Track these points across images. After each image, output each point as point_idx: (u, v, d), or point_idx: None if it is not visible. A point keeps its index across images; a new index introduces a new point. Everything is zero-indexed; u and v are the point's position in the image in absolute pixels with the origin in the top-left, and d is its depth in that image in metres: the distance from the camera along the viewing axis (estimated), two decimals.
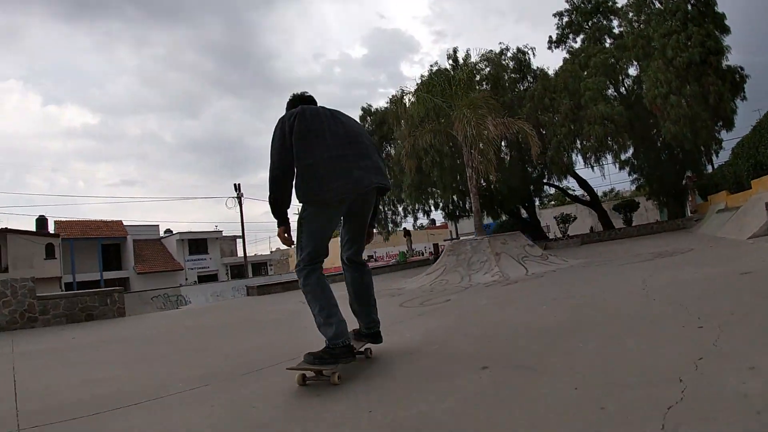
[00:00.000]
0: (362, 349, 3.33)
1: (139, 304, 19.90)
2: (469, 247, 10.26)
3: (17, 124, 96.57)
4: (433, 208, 25.74)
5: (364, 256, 3.57)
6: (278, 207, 3.04)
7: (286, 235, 3.09)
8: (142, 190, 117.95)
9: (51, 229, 38.59)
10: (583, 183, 26.10)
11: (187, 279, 39.67)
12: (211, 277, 41.87)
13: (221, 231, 46.43)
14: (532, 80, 23.56)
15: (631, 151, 23.33)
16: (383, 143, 24.12)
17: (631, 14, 21.43)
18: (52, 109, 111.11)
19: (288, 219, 3.11)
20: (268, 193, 3.02)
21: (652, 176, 24.05)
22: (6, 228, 34.31)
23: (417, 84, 15.10)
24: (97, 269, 38.29)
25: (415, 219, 26.51)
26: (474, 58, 20.72)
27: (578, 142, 21.59)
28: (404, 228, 29.17)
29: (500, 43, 26.22)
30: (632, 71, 22.46)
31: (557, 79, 21.95)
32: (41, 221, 38.89)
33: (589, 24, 24.39)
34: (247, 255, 44.93)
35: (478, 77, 21.04)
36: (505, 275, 8.82)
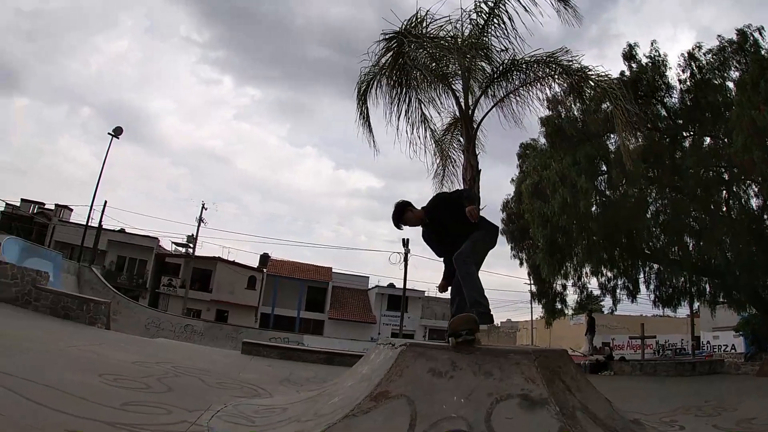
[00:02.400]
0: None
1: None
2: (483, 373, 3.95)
3: (312, 183, 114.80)
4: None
5: None
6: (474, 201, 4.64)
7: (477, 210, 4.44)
8: (416, 248, 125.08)
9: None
10: None
11: (380, 333, 38.06)
12: (406, 336, 38.70)
13: (424, 291, 44.21)
14: None
15: None
16: None
17: None
18: (342, 173, 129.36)
19: None
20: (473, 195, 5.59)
21: None
22: (218, 257, 40.08)
23: None
24: (297, 307, 40.15)
25: (614, 297, 17.42)
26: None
27: None
28: (588, 312, 20.21)
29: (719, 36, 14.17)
30: None
31: None
32: (264, 258, 43.05)
33: None
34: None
35: None
36: None
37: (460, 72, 7.48)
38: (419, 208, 4.94)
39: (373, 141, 8.42)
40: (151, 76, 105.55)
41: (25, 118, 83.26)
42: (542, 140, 15.43)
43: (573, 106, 13.64)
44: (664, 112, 14.42)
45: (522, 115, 8.06)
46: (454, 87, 7.64)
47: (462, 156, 7.64)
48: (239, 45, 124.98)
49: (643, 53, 14.52)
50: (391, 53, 7.45)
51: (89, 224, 28.47)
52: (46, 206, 37.93)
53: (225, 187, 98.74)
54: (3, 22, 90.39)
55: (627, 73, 14.51)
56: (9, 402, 3.51)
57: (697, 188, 13.50)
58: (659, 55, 14.26)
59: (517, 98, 7.86)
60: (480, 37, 7.51)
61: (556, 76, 7.63)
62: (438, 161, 8.82)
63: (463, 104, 7.50)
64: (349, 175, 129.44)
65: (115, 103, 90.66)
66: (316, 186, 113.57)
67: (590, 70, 7.52)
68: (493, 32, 7.54)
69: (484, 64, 7.45)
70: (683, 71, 14.21)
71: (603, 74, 7.60)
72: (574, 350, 23.83)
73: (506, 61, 7.59)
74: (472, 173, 7.15)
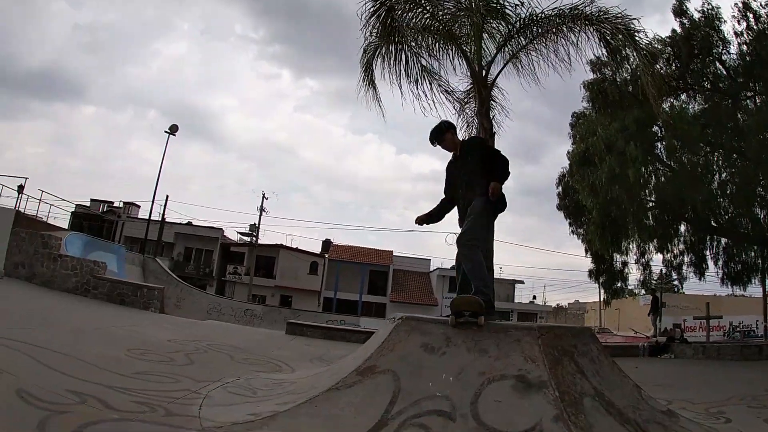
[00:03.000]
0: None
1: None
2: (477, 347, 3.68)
3: (375, 169, 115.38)
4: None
5: None
6: (507, 175, 4.43)
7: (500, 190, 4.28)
8: None
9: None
10: None
11: (441, 315, 37.18)
12: None
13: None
14: None
15: None
16: None
17: None
18: (405, 158, 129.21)
19: None
20: (507, 171, 4.46)
21: None
22: (281, 244, 40.81)
23: None
24: (359, 291, 40.69)
25: (678, 273, 16.17)
26: None
27: None
28: (653, 290, 18.79)
29: None
30: None
31: None
32: (326, 243, 43.89)
33: None
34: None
35: None
36: None
37: (472, 33, 7.05)
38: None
39: (380, 106, 8.26)
40: (212, 75, 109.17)
41: (93, 125, 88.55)
42: (589, 109, 14.49)
43: (620, 68, 12.64)
44: (722, 70, 13.13)
45: (565, 77, 7.50)
46: (465, 49, 7.21)
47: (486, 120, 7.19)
48: (294, 38, 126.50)
49: (694, 8, 13.27)
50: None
51: (155, 219, 29.85)
52: (114, 204, 39.92)
53: (291, 177, 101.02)
54: (63, 36, 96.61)
55: (678, 30, 13.31)
56: (25, 366, 3.77)
57: (762, 153, 12.22)
58: (711, 8, 12.96)
59: (537, 55, 7.30)
60: None
61: (585, 29, 7.00)
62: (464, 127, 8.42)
63: (476, 66, 7.08)
64: (412, 159, 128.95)
65: (179, 104, 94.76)
66: (380, 172, 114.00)
67: (624, 21, 6.89)
68: None
69: (498, 22, 6.97)
70: (739, 23, 12.87)
71: (635, 28, 6.93)
72: (636, 332, 22.56)
73: (524, 17, 7.08)
74: (486, 136, 6.78)
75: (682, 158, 13.76)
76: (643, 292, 25.56)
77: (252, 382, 4.67)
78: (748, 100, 13.43)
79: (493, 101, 7.36)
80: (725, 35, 13.01)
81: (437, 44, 7.51)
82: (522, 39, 7.19)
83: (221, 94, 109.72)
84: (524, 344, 3.43)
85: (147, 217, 29.23)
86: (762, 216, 13.96)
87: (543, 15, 7.03)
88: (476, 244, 4.18)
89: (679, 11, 13.12)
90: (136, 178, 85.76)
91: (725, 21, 13.10)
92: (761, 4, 12.50)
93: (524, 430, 2.81)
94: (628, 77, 12.90)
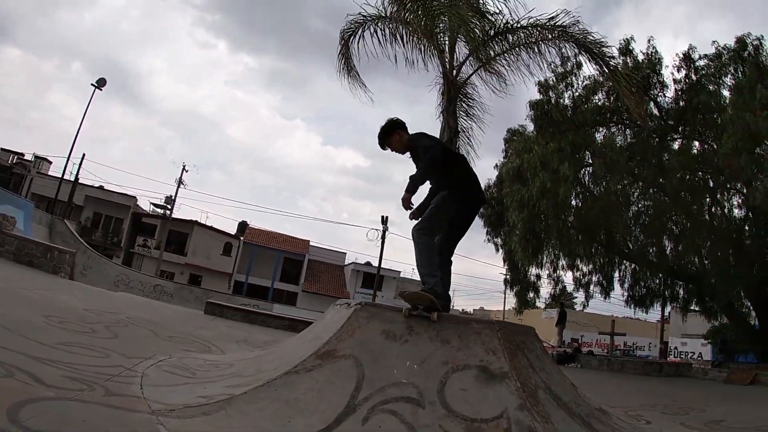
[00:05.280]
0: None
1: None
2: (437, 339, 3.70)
3: (300, 156, 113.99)
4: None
5: None
6: (422, 181, 4.11)
7: (412, 203, 4.08)
8: (399, 229, 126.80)
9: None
10: None
11: None
12: None
13: (400, 272, 44.81)
14: None
15: None
16: None
17: None
18: (330, 149, 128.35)
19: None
20: (423, 173, 4.07)
21: None
22: (196, 221, 39.43)
23: None
24: (272, 277, 40.08)
25: (586, 291, 17.12)
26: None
27: None
28: (561, 304, 19.82)
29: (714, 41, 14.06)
30: None
31: None
32: (242, 225, 42.66)
33: None
34: None
35: None
36: None
37: (447, 31, 7.19)
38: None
39: (362, 86, 8.36)
40: (146, 35, 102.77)
41: (17, 70, 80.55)
42: (530, 126, 15.12)
43: (564, 92, 13.35)
44: (655, 111, 14.18)
45: (512, 87, 7.83)
46: (440, 46, 7.31)
47: (458, 121, 7.35)
48: (237, 10, 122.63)
49: (639, 50, 14.26)
50: None
51: (68, 178, 27.69)
52: (25, 157, 36.78)
53: (213, 152, 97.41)
54: None
55: (620, 68, 14.14)
56: None
57: (680, 191, 13.33)
58: (656, 53, 13.98)
59: (508, 62, 7.56)
60: None
61: (557, 41, 7.31)
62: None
63: (448, 64, 7.22)
64: (338, 152, 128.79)
65: (107, 59, 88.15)
66: (304, 159, 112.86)
67: (594, 40, 7.30)
68: None
69: (475, 22, 7.09)
70: (678, 71, 13.99)
71: (607, 48, 7.39)
72: (544, 342, 23.92)
73: (501, 23, 7.30)
74: (450, 134, 6.94)
75: (605, 185, 14.69)
76: (543, 305, 26.99)
77: (186, 362, 4.47)
78: (674, 142, 14.49)
79: (462, 101, 7.46)
80: (664, 79, 13.98)
81: (412, 37, 7.52)
82: (496, 46, 7.35)
83: (152, 54, 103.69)
84: (484, 336, 3.50)
85: (59, 176, 27.19)
86: (669, 248, 15.21)
87: (519, 25, 7.24)
88: (425, 231, 4.02)
89: (626, 51, 13.91)
90: (52, 132, 79.04)
91: (666, 66, 14.08)
92: (700, 56, 13.65)
93: (492, 417, 2.88)
94: (570, 104, 13.65)
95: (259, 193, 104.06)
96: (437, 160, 4.03)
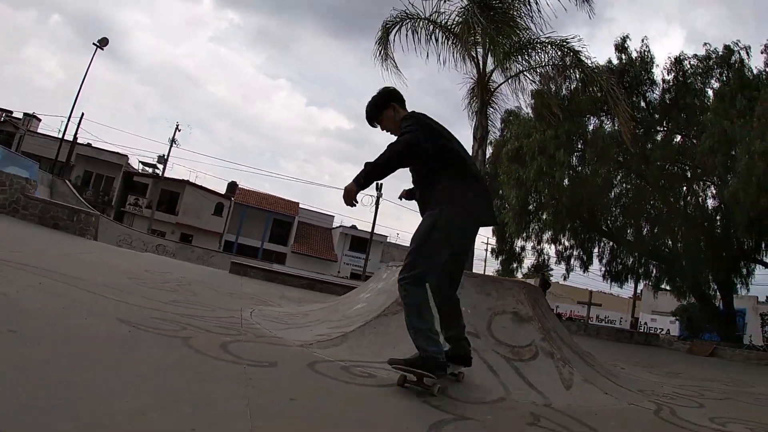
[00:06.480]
0: (456, 372, 3.34)
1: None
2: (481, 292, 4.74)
3: (282, 116, 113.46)
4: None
5: None
6: (379, 175, 2.91)
7: (356, 199, 2.94)
8: (385, 193, 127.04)
9: None
10: None
11: (339, 272, 39.30)
12: (368, 277, 40.45)
13: (387, 236, 46.42)
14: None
15: None
16: None
17: None
18: (313, 110, 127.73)
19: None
20: (385, 158, 2.88)
21: None
22: (187, 180, 40.06)
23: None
24: (261, 238, 41.03)
25: (568, 266, 18.82)
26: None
27: None
28: (542, 274, 21.13)
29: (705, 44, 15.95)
30: None
31: None
32: (232, 185, 43.49)
33: None
34: None
35: None
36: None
37: (480, 40, 8.25)
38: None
39: (400, 74, 8.96)
40: None
41: None
42: (525, 110, 16.27)
43: (563, 84, 14.59)
44: (643, 104, 15.54)
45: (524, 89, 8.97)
46: (473, 54, 8.38)
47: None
48: None
49: (634, 48, 15.54)
50: None
51: (63, 137, 27.89)
52: (13, 115, 36.56)
53: (194, 110, 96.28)
54: None
55: (615, 62, 15.51)
56: (79, 293, 3.78)
57: (660, 179, 14.91)
58: (648, 51, 15.35)
59: (528, 76, 8.72)
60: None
61: (567, 61, 8.45)
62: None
63: (481, 70, 8.28)
64: (321, 113, 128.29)
65: (87, 12, 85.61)
66: (287, 120, 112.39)
67: (585, 58, 8.48)
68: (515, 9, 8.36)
69: (503, 37, 8.12)
70: (668, 73, 15.42)
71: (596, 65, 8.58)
72: None
73: (523, 39, 8.39)
74: (483, 133, 8.04)
75: (591, 168, 16.05)
76: (529, 274, 28.58)
77: (267, 313, 5.29)
78: (658, 134, 15.96)
79: (491, 106, 8.54)
80: (654, 77, 15.49)
81: (447, 40, 8.54)
82: (521, 59, 8.45)
83: (133, 8, 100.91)
84: (514, 291, 4.70)
85: (48, 133, 27.29)
86: (645, 230, 16.79)
87: (538, 41, 8.37)
88: (410, 280, 2.88)
89: (621, 47, 15.42)
90: (28, 86, 77.05)
91: (657, 65, 15.57)
92: (688, 57, 15.03)
93: (525, 344, 4.06)
94: (567, 94, 14.88)
95: (242, 153, 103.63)
96: (416, 149, 2.92)
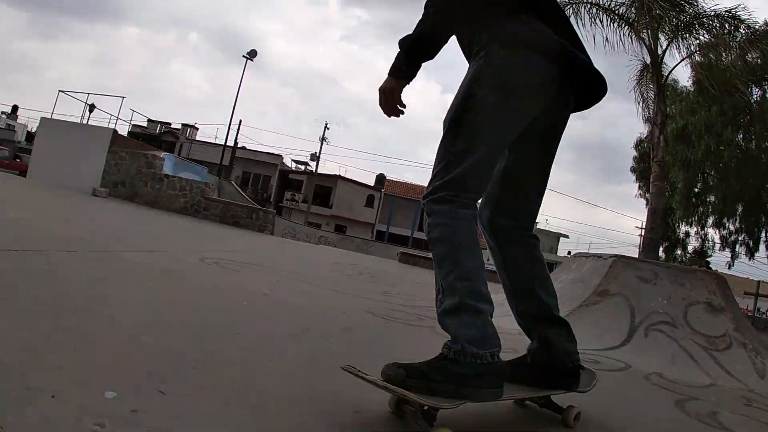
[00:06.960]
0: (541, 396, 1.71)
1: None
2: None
3: (420, 107, 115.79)
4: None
5: None
6: (425, 42, 1.65)
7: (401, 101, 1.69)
8: None
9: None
10: None
11: (488, 259, 39.20)
12: None
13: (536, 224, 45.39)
14: None
15: None
16: None
17: None
18: (449, 98, 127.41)
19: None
20: (425, 19, 1.59)
21: None
22: (338, 175, 42.92)
23: None
24: (411, 227, 42.06)
25: (733, 252, 17.37)
26: None
27: None
28: (706, 262, 19.04)
29: None
30: None
31: None
32: (380, 177, 45.66)
33: None
34: None
35: None
36: None
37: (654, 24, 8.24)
38: None
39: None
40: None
41: (136, 46, 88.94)
42: (682, 83, 15.34)
43: (723, 54, 13.59)
44: None
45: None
46: (642, 36, 8.41)
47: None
48: None
49: None
50: None
51: (217, 143, 31.52)
52: (172, 126, 41.98)
53: (333, 107, 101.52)
54: None
55: None
56: (314, 290, 4.31)
57: None
58: None
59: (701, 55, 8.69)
60: None
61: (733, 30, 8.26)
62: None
63: (655, 53, 8.33)
64: None
65: (222, 28, 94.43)
66: (424, 110, 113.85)
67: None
68: None
69: (673, 14, 8.11)
70: None
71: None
72: None
73: (691, 13, 8.34)
74: (663, 118, 8.19)
75: (757, 144, 14.74)
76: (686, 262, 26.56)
77: None
78: None
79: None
80: None
81: (612, 23, 8.66)
82: (690, 36, 8.43)
83: (263, 17, 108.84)
84: (706, 282, 4.94)
85: (205, 140, 31.17)
86: None
87: (704, 15, 8.36)
88: (442, 196, 1.52)
89: None
90: (178, 100, 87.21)
91: None
92: None
93: (719, 335, 4.39)
94: (729, 65, 13.81)
95: (382, 145, 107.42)
96: None
